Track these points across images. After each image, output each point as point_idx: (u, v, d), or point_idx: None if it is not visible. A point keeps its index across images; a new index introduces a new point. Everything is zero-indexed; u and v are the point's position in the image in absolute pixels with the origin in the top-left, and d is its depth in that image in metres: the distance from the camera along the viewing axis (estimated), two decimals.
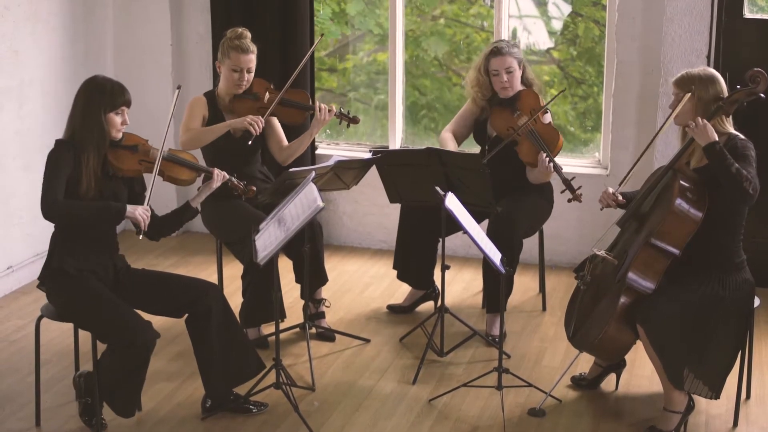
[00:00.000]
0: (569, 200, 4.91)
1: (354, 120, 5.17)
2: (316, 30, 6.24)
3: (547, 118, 5.16)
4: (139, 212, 4.16)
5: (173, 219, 4.40)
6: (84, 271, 4.18)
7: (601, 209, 4.55)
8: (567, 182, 4.87)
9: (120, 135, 4.22)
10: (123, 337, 4.06)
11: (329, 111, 5.08)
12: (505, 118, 5.15)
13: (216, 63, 5.15)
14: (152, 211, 4.25)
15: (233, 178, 4.47)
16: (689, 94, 4.21)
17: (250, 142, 4.98)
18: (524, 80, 5.24)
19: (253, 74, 5.08)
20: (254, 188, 4.55)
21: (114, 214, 4.15)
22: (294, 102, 5.12)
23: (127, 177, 4.27)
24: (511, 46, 5.18)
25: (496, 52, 5.14)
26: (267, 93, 5.10)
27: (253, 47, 5.05)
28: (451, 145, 5.27)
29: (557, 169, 4.94)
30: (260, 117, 4.97)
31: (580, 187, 4.90)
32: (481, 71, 5.21)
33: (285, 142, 5.24)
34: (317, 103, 5.11)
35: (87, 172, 4.12)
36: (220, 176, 4.40)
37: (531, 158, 5.03)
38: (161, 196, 6.02)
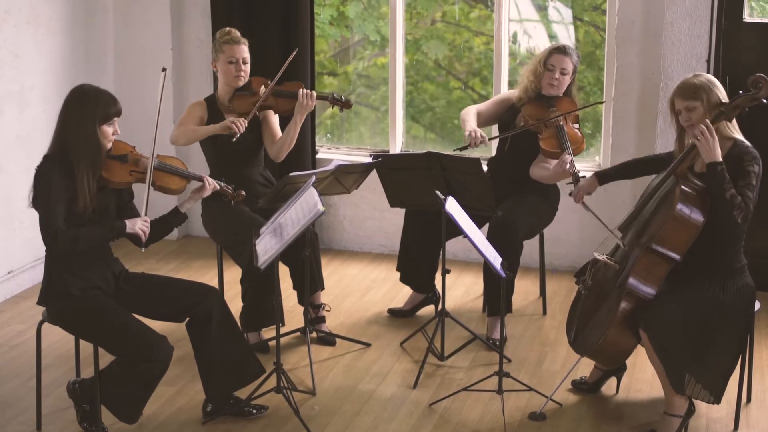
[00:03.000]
0: (570, 194, 4.81)
1: (346, 104, 5.17)
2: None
3: (576, 128, 5.20)
4: (139, 226, 4.11)
5: (162, 225, 4.34)
6: (88, 290, 4.13)
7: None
8: (576, 178, 4.83)
9: (110, 145, 4.13)
10: (143, 353, 4.05)
11: (310, 96, 5.07)
12: (538, 110, 5.20)
13: (212, 63, 5.21)
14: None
15: (221, 184, 4.46)
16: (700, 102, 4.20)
17: (233, 140, 4.98)
18: (568, 89, 5.28)
19: (249, 66, 5.14)
20: (243, 193, 4.54)
21: (116, 234, 4.10)
22: (284, 91, 5.16)
23: (118, 189, 4.21)
24: (575, 53, 5.25)
25: (561, 50, 5.22)
26: (262, 87, 5.16)
27: (244, 40, 5.14)
28: (471, 118, 5.29)
29: (574, 172, 4.84)
30: (243, 119, 4.99)
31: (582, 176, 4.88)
32: (541, 62, 5.26)
33: (279, 136, 5.25)
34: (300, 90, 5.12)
35: (82, 189, 4.01)
36: (210, 186, 4.38)
37: (552, 148, 5.05)
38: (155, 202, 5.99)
